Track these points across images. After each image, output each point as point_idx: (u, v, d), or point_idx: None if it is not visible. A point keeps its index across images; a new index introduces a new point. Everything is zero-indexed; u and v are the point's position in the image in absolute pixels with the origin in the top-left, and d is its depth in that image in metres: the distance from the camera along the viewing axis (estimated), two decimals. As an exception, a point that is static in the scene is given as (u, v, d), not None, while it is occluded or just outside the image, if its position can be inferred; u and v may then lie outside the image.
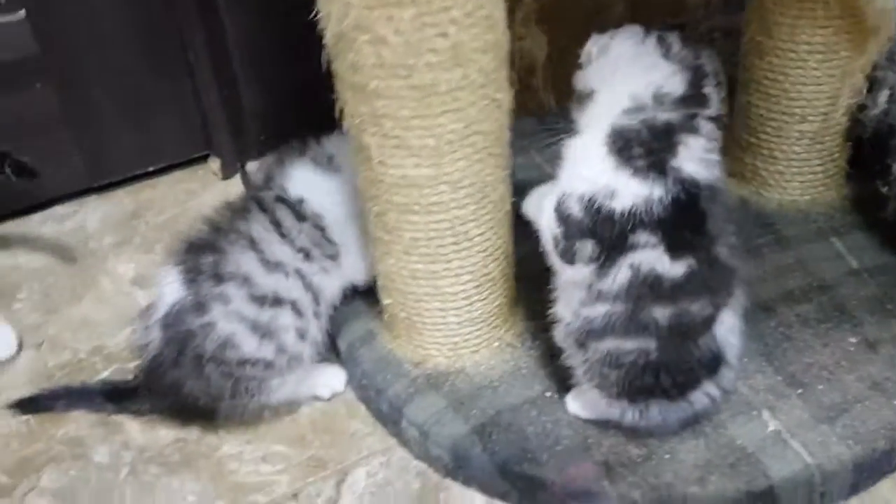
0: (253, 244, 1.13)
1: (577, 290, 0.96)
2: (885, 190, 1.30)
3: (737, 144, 1.45)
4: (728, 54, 1.67)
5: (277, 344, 1.13)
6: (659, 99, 0.91)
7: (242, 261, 1.12)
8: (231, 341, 1.10)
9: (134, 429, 1.22)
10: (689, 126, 0.91)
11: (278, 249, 1.14)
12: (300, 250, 1.16)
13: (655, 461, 1.03)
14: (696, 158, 0.91)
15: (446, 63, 0.93)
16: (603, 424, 1.07)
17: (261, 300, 1.11)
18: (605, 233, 0.91)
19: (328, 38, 0.97)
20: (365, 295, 1.28)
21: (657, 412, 1.01)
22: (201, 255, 1.13)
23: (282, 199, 1.18)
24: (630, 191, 0.90)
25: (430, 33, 0.90)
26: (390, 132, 0.98)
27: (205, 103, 1.68)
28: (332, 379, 1.23)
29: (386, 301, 1.18)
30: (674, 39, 0.94)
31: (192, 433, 1.21)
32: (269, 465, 1.16)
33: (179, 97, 1.72)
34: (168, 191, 1.76)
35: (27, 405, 1.24)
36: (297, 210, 1.17)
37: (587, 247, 0.92)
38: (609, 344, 0.96)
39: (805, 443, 1.03)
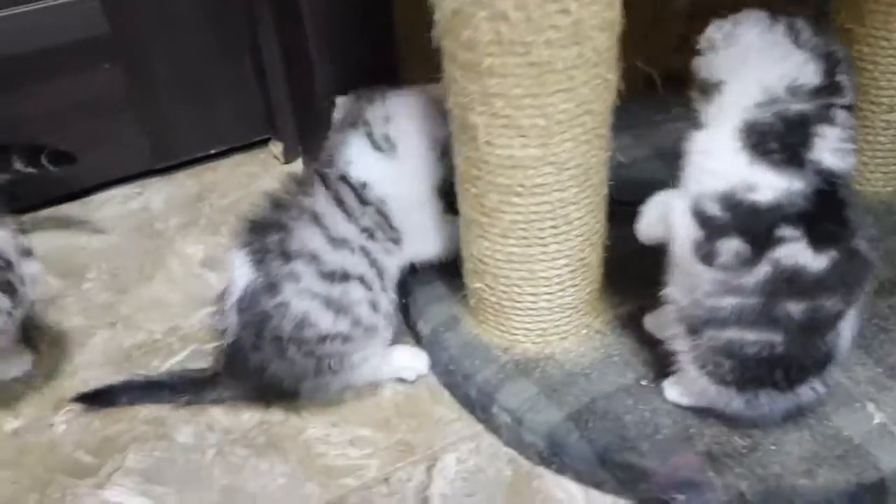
0: (317, 220, 1.11)
1: (703, 282, 0.94)
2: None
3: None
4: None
5: (353, 317, 1.11)
6: (793, 91, 0.89)
7: (308, 237, 1.10)
8: (307, 319, 1.09)
9: (217, 411, 1.21)
10: (825, 116, 0.89)
11: (342, 226, 1.12)
12: (364, 230, 1.14)
13: (761, 452, 1.01)
14: (832, 149, 0.89)
15: (565, 40, 0.91)
16: (703, 413, 1.06)
17: (330, 276, 1.09)
18: (752, 227, 0.89)
19: (440, 14, 0.95)
20: (447, 278, 1.27)
21: (765, 402, 0.99)
22: (266, 234, 1.11)
23: (345, 180, 1.16)
24: (769, 184, 0.88)
25: (552, 9, 0.88)
26: (500, 111, 0.96)
27: (270, 85, 1.66)
28: (415, 361, 1.22)
29: (475, 285, 1.17)
30: (803, 25, 0.92)
31: (276, 415, 1.20)
32: (357, 449, 1.15)
33: (243, 79, 1.70)
34: (230, 174, 1.74)
35: (92, 399, 1.21)
36: (360, 193, 1.15)
37: (732, 245, 0.90)
38: (731, 334, 0.94)
39: (913, 435, 1.01)
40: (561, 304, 1.14)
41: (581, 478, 1.07)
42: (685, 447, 1.02)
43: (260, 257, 1.09)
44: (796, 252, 0.89)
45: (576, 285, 1.13)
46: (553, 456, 1.08)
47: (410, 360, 1.22)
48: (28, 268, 1.17)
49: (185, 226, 1.60)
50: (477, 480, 1.10)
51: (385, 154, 1.17)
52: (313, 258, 1.09)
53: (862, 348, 1.12)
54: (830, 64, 0.90)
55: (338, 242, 1.11)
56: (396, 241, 1.17)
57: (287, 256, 1.09)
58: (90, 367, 1.30)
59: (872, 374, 1.09)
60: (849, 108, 0.91)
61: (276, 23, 1.58)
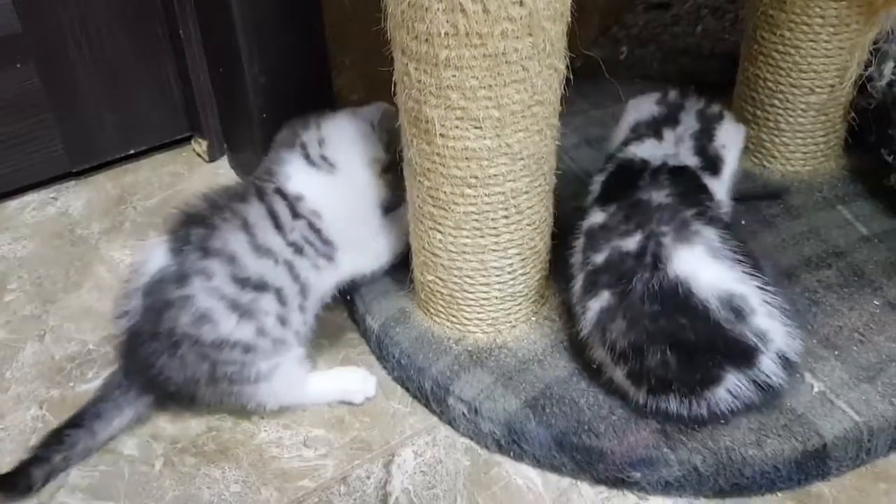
0: (246, 227, 1.11)
1: None
2: (890, 159, 1.35)
3: (741, 117, 1.48)
4: (719, 30, 1.72)
5: (257, 326, 1.09)
6: None
7: (232, 240, 1.09)
8: (208, 317, 1.06)
9: (161, 420, 1.17)
10: None
11: (270, 237, 1.12)
12: (291, 244, 1.13)
13: (711, 426, 1.04)
14: None
15: (519, 31, 0.92)
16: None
17: (243, 281, 1.08)
18: None
19: (393, 7, 0.94)
20: (392, 273, 1.27)
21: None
22: (192, 227, 1.10)
23: (280, 193, 1.15)
24: None
25: (507, 0, 0.89)
26: (455, 103, 0.97)
27: (193, 81, 1.62)
28: (364, 384, 1.19)
29: (426, 278, 1.16)
30: None
31: (225, 421, 1.17)
32: (311, 450, 1.13)
33: (163, 75, 1.65)
34: (152, 174, 1.69)
35: (8, 483, 1.06)
36: (294, 206, 1.14)
37: None
38: None
39: (850, 402, 1.07)
40: (512, 293, 1.15)
41: (539, 463, 1.08)
42: (640, 426, 1.05)
43: (178, 247, 1.08)
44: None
45: (526, 274, 1.14)
46: (511, 443, 1.09)
47: (358, 383, 1.20)
48: None
49: (109, 231, 1.54)
50: (436, 472, 1.10)
51: (322, 171, 1.18)
52: (231, 260, 1.08)
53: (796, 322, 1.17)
54: None
55: (262, 251, 1.10)
56: (329, 257, 1.16)
57: (206, 252, 1.07)
58: (22, 382, 1.23)
59: (808, 346, 1.14)
60: None
61: (199, 16, 1.53)
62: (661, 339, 0.98)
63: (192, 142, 1.73)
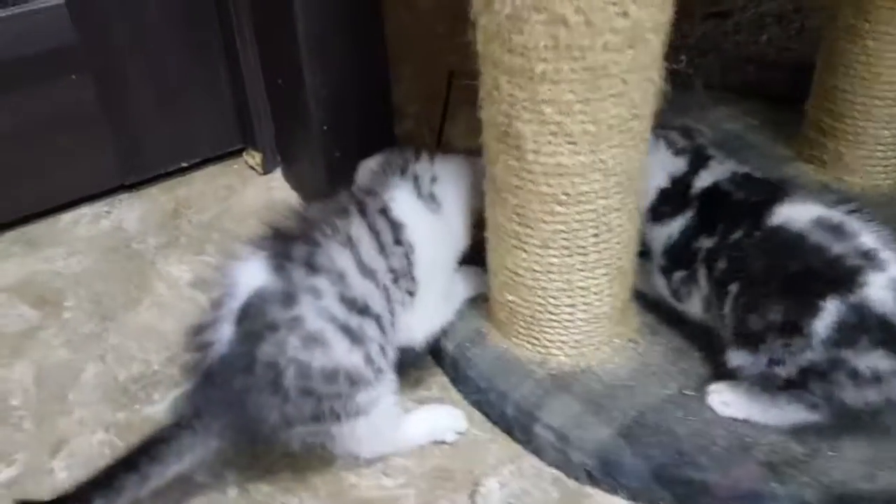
0: (350, 243, 1.02)
1: None
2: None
3: (817, 130, 1.43)
4: (783, 39, 1.67)
5: (365, 353, 0.99)
6: None
7: (338, 256, 1.00)
8: (321, 339, 0.95)
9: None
10: None
11: (374, 257, 1.03)
12: (391, 270, 1.05)
13: (821, 459, 0.99)
14: None
15: (621, 44, 0.87)
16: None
17: (352, 303, 0.98)
18: None
19: (487, 20, 0.90)
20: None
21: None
22: (291, 243, 0.99)
23: (385, 213, 1.08)
24: None
25: (612, 12, 0.84)
26: (550, 118, 0.92)
27: (248, 92, 1.58)
28: (452, 420, 1.13)
29: (507, 298, 1.12)
30: None
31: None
32: (391, 479, 1.09)
33: (216, 87, 1.62)
34: (205, 187, 1.65)
35: None
36: (397, 232, 1.07)
37: None
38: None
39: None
40: (597, 314, 1.10)
41: (635, 496, 1.03)
42: (744, 458, 0.99)
43: (280, 263, 0.97)
44: None
45: (612, 294, 1.10)
46: (605, 475, 1.04)
47: (447, 419, 1.13)
48: None
49: (166, 245, 1.50)
50: (523, 504, 1.05)
51: (428, 207, 1.12)
52: (340, 278, 0.99)
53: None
54: None
55: (367, 272, 1.02)
56: (412, 293, 1.08)
57: (313, 269, 0.97)
58: (85, 405, 1.20)
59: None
60: None
61: (255, 26, 1.50)
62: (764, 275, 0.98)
63: (245, 154, 1.70)
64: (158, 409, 1.19)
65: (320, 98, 1.42)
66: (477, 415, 1.16)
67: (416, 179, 1.13)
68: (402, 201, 1.10)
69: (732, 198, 1.07)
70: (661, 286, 1.13)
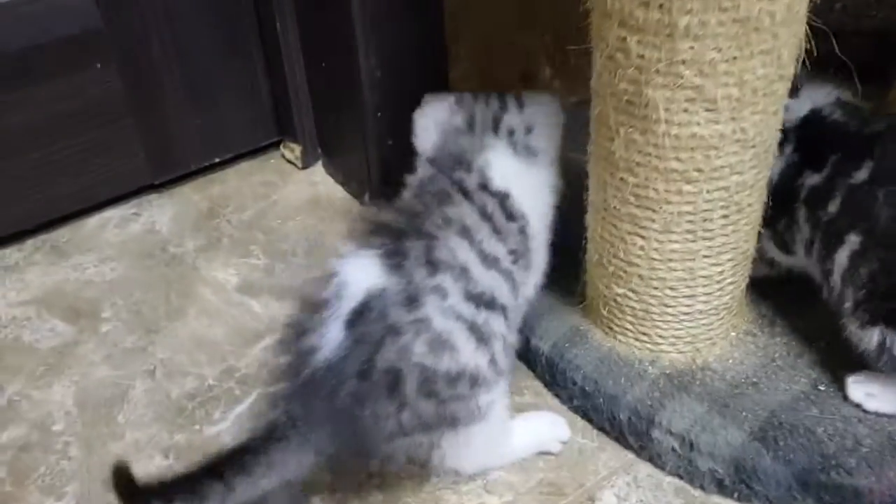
0: (465, 233, 0.91)
1: None
2: None
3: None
4: (862, 6, 1.56)
5: (490, 353, 0.90)
6: None
7: (458, 249, 0.90)
8: (449, 343, 0.85)
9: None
10: None
11: (493, 244, 0.93)
12: (511, 252, 0.95)
13: None
14: None
15: (777, -10, 0.75)
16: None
17: (477, 298, 0.89)
18: None
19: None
20: (552, 286, 1.09)
21: None
22: (403, 238, 0.89)
23: (486, 189, 0.97)
24: None
25: (772, -48, 0.73)
26: (688, 82, 0.80)
27: (288, 79, 1.45)
28: (555, 428, 1.02)
29: (615, 290, 1.00)
30: None
31: (387, 464, 1.00)
32: (495, 496, 0.97)
33: (251, 76, 1.49)
34: (241, 184, 1.52)
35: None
36: (505, 206, 0.96)
37: None
38: None
39: None
40: (717, 306, 0.99)
41: (773, 504, 0.92)
42: (898, 459, 0.89)
43: (397, 262, 0.87)
44: None
45: (734, 282, 0.98)
46: (738, 483, 0.93)
47: (550, 427, 1.02)
48: None
49: (206, 248, 1.37)
50: (646, 519, 0.94)
51: (524, 162, 1.00)
52: (463, 273, 0.88)
53: None
54: None
55: (489, 261, 0.91)
56: (528, 267, 0.98)
57: (434, 266, 0.87)
58: (138, 427, 1.07)
59: None
60: None
61: (297, 4, 1.37)
62: None
63: (282, 147, 1.57)
64: (221, 428, 1.06)
65: (374, 81, 1.30)
66: (579, 421, 1.05)
67: (510, 135, 1.01)
68: (500, 166, 0.98)
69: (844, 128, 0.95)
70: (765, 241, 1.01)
